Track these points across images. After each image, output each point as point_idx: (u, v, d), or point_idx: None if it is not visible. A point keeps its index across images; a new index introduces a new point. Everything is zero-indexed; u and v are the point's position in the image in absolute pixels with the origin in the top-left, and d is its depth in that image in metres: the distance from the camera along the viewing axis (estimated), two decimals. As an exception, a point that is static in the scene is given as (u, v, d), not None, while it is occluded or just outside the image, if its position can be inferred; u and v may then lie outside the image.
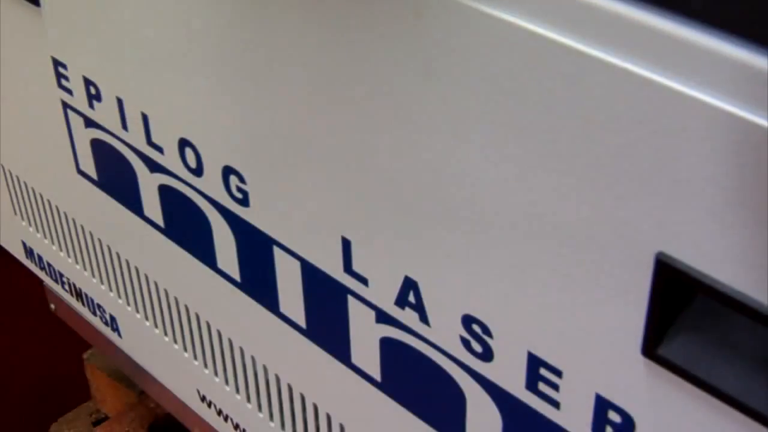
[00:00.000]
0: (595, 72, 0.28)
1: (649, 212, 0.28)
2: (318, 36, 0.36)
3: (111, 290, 0.60)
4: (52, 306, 0.73)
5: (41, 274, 0.68)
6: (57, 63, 0.51)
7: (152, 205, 0.50)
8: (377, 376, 0.42)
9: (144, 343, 0.60)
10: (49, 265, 0.65)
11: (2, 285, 0.92)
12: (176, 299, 0.54)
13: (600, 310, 0.31)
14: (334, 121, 0.37)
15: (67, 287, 0.65)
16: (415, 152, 0.34)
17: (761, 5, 0.24)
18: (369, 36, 0.34)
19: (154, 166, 0.48)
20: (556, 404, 0.34)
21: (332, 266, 0.41)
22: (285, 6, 0.36)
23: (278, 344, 0.47)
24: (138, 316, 0.58)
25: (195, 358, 0.55)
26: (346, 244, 0.40)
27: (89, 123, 0.52)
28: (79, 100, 0.51)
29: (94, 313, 0.63)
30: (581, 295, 0.31)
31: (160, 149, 0.47)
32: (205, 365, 0.55)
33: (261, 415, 0.52)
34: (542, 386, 0.35)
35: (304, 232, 0.42)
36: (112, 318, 0.62)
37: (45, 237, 0.63)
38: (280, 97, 0.39)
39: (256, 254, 0.45)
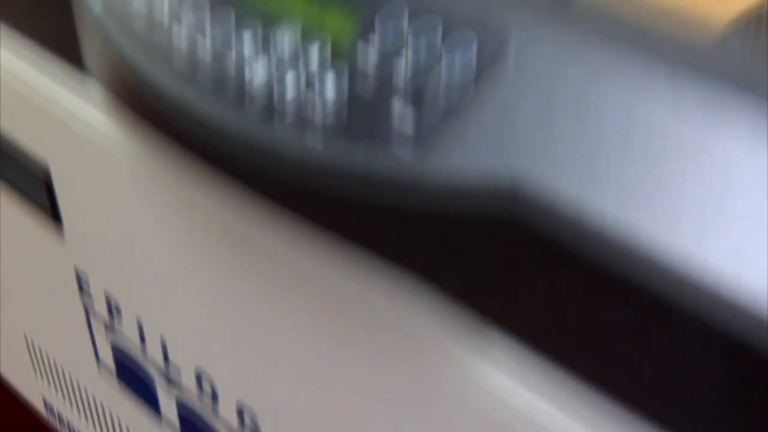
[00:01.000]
0: None
1: None
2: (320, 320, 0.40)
3: (129, 461, 0.64)
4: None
5: (60, 428, 0.72)
6: (79, 273, 0.56)
7: (169, 409, 0.55)
8: None
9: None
10: (69, 424, 0.69)
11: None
12: (192, 484, 0.58)
13: None
14: (340, 375, 0.41)
15: (86, 446, 0.69)
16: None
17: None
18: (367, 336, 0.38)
19: (172, 382, 0.53)
20: None
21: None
22: (293, 286, 0.41)
23: None
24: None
25: None
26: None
27: (110, 329, 0.56)
28: (100, 309, 0.55)
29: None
30: None
31: (177, 369, 0.51)
32: None
33: None
34: None
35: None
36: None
37: (65, 400, 0.68)
38: (294, 344, 0.43)
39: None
